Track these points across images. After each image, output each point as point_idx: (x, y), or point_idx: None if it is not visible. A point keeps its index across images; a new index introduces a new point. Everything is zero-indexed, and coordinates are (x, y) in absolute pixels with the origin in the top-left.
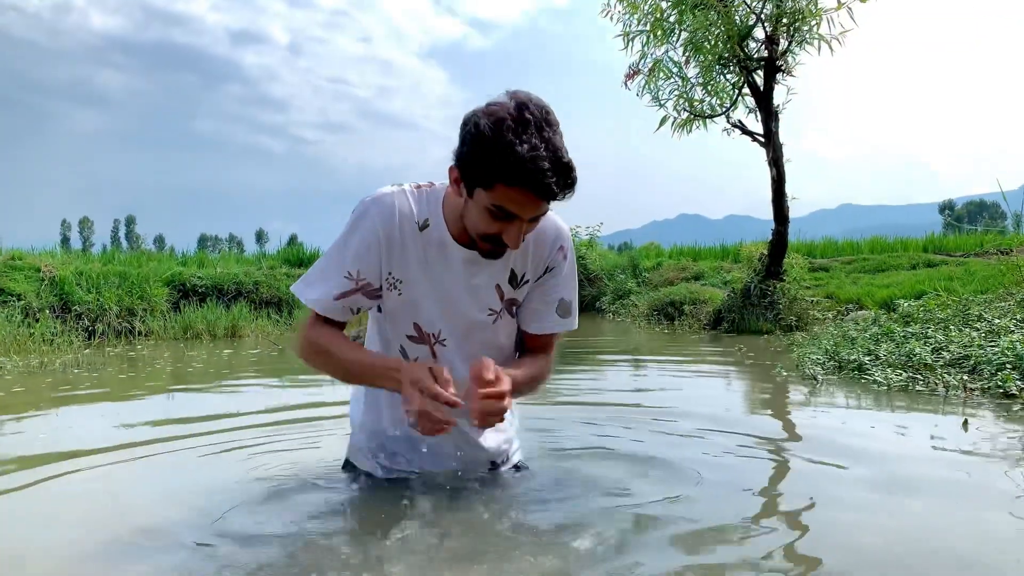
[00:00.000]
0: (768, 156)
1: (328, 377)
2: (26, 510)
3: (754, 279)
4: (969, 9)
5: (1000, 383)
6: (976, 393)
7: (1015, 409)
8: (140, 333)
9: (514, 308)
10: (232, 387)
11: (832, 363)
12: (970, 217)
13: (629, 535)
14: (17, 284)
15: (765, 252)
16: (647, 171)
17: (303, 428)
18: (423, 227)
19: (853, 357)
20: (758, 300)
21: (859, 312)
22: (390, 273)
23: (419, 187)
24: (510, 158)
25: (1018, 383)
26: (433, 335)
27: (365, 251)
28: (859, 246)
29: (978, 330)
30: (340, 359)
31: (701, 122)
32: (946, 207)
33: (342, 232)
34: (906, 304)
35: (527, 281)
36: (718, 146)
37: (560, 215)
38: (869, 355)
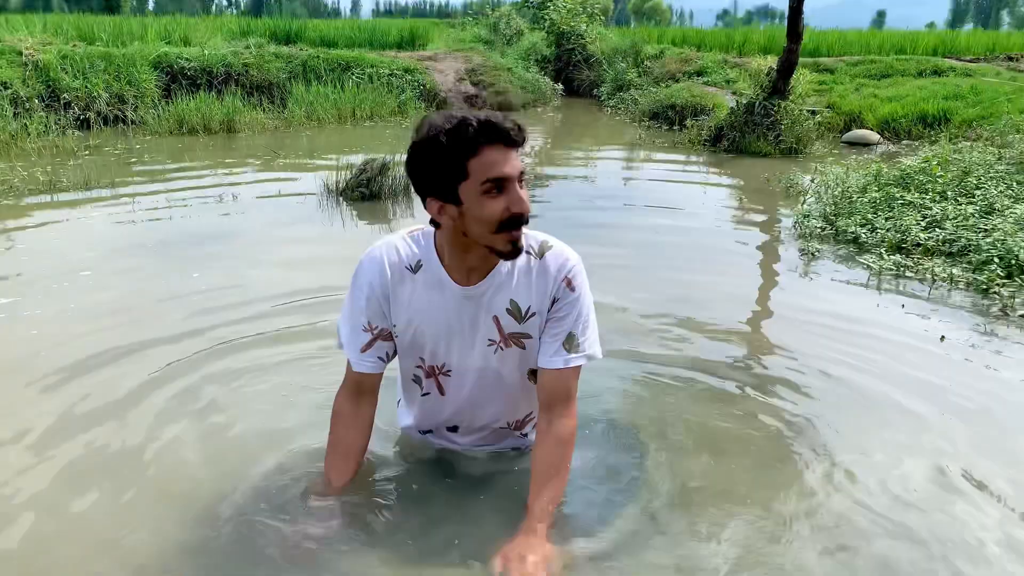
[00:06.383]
0: None
1: None
2: None
3: (759, 95)
4: None
5: (985, 283)
6: (961, 286)
7: (992, 310)
8: (132, 122)
9: (524, 342)
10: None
11: (830, 231)
12: None
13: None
14: (1, 71)
15: (774, 67)
16: None
17: None
18: (415, 269)
19: (851, 229)
20: (761, 119)
21: (859, 131)
22: (389, 317)
23: (411, 232)
24: (469, 129)
25: (1001, 280)
26: (437, 367)
27: (366, 304)
28: (868, 41)
29: (974, 203)
30: (329, 441)
31: None
32: None
33: (348, 290)
34: (907, 163)
35: (534, 315)
36: None
37: None
38: (866, 226)
